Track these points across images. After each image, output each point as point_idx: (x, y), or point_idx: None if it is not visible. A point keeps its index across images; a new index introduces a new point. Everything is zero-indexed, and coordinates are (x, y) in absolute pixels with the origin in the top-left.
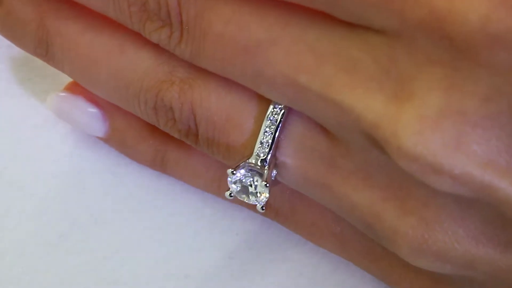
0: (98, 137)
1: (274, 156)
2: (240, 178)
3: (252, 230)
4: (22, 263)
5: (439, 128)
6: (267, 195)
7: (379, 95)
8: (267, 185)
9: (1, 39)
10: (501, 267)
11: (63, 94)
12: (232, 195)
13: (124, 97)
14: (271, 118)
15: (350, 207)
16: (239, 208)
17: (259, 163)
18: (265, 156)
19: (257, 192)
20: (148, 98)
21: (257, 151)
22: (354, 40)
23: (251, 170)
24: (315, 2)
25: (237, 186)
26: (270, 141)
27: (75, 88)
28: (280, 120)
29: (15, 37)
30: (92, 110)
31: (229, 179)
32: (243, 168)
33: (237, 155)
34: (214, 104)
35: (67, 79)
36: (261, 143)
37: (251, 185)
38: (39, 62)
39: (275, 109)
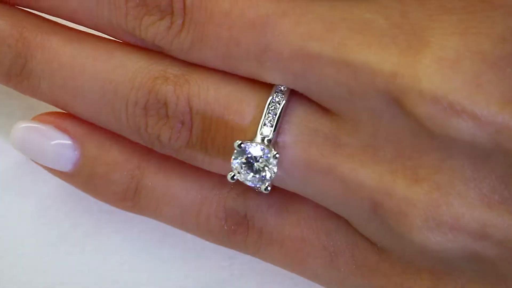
0: (62, 176)
1: (276, 142)
2: (246, 149)
3: None
4: (22, 263)
5: (458, 67)
6: (275, 169)
7: (394, 49)
8: (277, 155)
9: None
10: None
11: (31, 123)
12: (234, 177)
13: (110, 103)
14: (274, 100)
15: (357, 186)
16: None
17: (265, 142)
18: (270, 137)
19: (264, 167)
20: (139, 97)
21: (261, 131)
22: (364, 4)
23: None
24: None
25: (241, 164)
26: (273, 123)
27: (43, 118)
28: (283, 105)
29: None
30: (63, 139)
31: (233, 157)
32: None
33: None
34: (212, 95)
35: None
36: (264, 124)
37: (256, 160)
38: None
39: (276, 94)
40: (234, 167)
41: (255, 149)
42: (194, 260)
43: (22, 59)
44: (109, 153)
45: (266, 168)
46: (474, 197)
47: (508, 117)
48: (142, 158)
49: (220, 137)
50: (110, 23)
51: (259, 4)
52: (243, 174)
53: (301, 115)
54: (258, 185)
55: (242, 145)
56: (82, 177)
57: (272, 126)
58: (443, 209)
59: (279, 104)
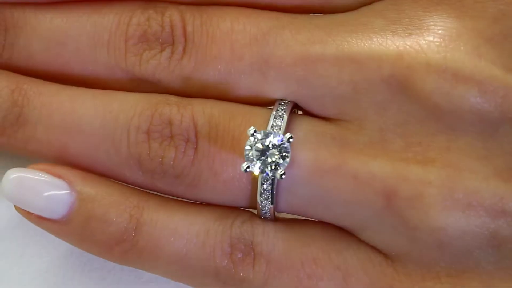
0: (55, 227)
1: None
2: (259, 137)
3: None
4: (22, 263)
5: (459, 41)
6: (289, 154)
7: (396, 38)
8: (291, 138)
9: None
10: None
11: (25, 170)
12: (248, 168)
13: (110, 134)
14: (278, 110)
15: (369, 178)
16: None
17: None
18: (279, 135)
19: (278, 153)
20: (141, 121)
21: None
22: (360, 12)
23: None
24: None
25: (255, 153)
26: (281, 129)
27: (35, 167)
28: (288, 115)
29: None
30: (57, 184)
31: (246, 147)
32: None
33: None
34: (217, 111)
35: None
36: (272, 126)
37: (269, 147)
38: None
39: (280, 105)
40: (247, 153)
41: (268, 135)
42: None
43: (18, 107)
44: (107, 194)
45: (280, 155)
46: (487, 172)
47: None
48: (141, 198)
49: (227, 148)
50: (107, 64)
51: (259, 20)
52: (257, 164)
53: (306, 122)
54: (272, 174)
55: (255, 134)
56: (78, 222)
57: (280, 129)
58: (457, 185)
59: (285, 113)
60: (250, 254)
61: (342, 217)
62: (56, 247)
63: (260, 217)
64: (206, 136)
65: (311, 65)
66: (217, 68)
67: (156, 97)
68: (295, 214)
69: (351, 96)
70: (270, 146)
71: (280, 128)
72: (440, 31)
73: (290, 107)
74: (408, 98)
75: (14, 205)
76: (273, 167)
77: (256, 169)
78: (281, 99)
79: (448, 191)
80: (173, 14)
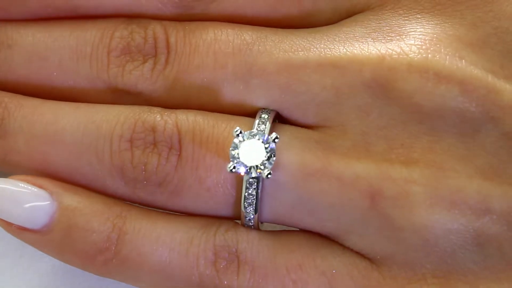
0: (34, 238)
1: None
2: (244, 137)
3: None
4: (22, 263)
5: (439, 44)
6: (275, 153)
7: (377, 43)
8: (276, 139)
9: None
10: None
11: (6, 181)
12: (233, 169)
13: (93, 143)
14: (262, 116)
15: (353, 179)
16: None
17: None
18: (264, 135)
19: (265, 149)
20: (125, 129)
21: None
22: (341, 24)
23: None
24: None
25: (239, 153)
26: (265, 129)
27: (15, 177)
28: (271, 122)
29: None
30: (38, 194)
31: (231, 148)
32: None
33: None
34: (200, 118)
35: None
36: (258, 124)
37: (255, 146)
38: None
39: (263, 113)
40: (233, 156)
41: (253, 135)
42: None
43: None
44: (89, 203)
45: (265, 152)
46: (470, 171)
47: (493, 81)
48: (123, 208)
49: (212, 154)
50: (89, 76)
51: (243, 32)
52: (242, 163)
53: (289, 129)
54: (258, 174)
55: (240, 134)
56: (60, 231)
57: (265, 129)
58: (442, 184)
59: (267, 121)
60: (234, 262)
61: (327, 222)
62: None
63: (244, 226)
64: (190, 142)
65: (294, 72)
66: (200, 77)
67: (139, 107)
68: (279, 223)
69: (333, 101)
70: (256, 145)
71: (264, 132)
72: (420, 36)
73: (272, 115)
74: (389, 100)
75: None
76: (259, 167)
77: (241, 169)
78: (264, 108)
79: (432, 189)
80: (156, 27)
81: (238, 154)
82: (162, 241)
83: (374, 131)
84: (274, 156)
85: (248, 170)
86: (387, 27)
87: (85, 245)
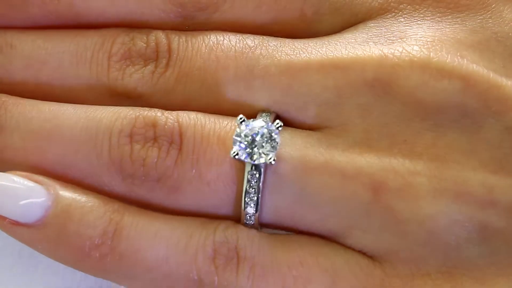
0: (28, 234)
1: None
2: (248, 124)
3: None
4: (21, 261)
5: (441, 45)
6: (278, 140)
7: (379, 45)
8: (280, 127)
9: None
10: None
11: (1, 175)
12: (236, 156)
13: (92, 138)
14: (262, 116)
15: (356, 173)
16: None
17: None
18: (268, 122)
19: (266, 141)
20: (125, 124)
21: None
22: (346, 32)
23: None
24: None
25: (243, 140)
26: (269, 120)
27: (12, 172)
28: (272, 120)
29: None
30: (36, 187)
31: (234, 135)
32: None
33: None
34: (201, 115)
35: None
36: (261, 116)
37: (259, 134)
38: None
39: (263, 115)
40: (235, 142)
41: (257, 122)
42: None
43: None
44: (86, 198)
45: (268, 142)
46: (474, 164)
47: (494, 77)
48: (121, 204)
49: (213, 148)
50: (88, 80)
51: (245, 37)
52: (246, 150)
53: (290, 129)
54: (261, 161)
55: (243, 122)
56: (54, 226)
57: (269, 120)
58: (446, 175)
59: (268, 120)
60: (234, 259)
61: (330, 217)
62: None
63: (244, 224)
64: (192, 137)
65: (295, 74)
66: (201, 79)
67: (140, 107)
68: (279, 226)
69: (335, 101)
70: (259, 134)
71: (267, 121)
72: (422, 38)
73: (273, 117)
74: (392, 98)
75: None
76: (262, 154)
77: (244, 155)
78: (263, 110)
79: (437, 180)
80: (158, 34)
81: (241, 140)
82: (160, 236)
83: (377, 129)
84: (277, 145)
85: (251, 156)
86: (389, 33)
87: (79, 240)
